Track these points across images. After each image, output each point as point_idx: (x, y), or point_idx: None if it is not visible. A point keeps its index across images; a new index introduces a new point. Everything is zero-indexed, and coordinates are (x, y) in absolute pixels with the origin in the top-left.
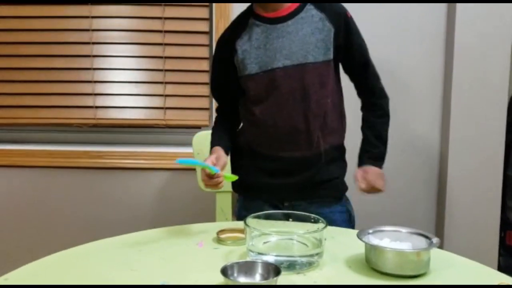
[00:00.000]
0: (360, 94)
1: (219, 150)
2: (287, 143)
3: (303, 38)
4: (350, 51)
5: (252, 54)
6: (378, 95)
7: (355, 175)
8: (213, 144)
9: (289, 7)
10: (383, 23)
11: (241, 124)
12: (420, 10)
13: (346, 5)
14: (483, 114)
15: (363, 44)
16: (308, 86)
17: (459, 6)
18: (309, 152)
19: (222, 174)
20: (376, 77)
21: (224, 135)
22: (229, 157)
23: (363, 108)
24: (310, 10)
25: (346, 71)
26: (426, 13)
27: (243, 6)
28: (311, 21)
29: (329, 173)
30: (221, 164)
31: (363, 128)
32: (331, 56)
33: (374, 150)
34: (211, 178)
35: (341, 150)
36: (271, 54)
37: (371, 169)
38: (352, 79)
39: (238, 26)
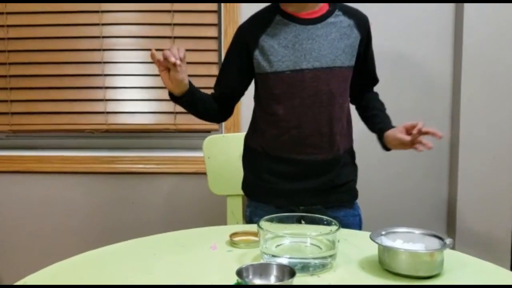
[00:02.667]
0: (358, 94)
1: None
2: (309, 145)
3: (332, 43)
4: (366, 59)
5: (280, 51)
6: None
7: (401, 137)
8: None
9: (319, 10)
10: (391, 22)
11: (253, 126)
12: (428, 8)
13: (357, 5)
14: (494, 113)
15: (372, 53)
16: (334, 89)
17: (467, 4)
18: (329, 155)
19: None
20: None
21: (204, 94)
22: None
23: (362, 97)
24: (339, 16)
25: (354, 78)
26: (435, 11)
27: (252, 10)
28: (340, 26)
29: (345, 176)
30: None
31: (371, 108)
32: (353, 62)
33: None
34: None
35: (353, 153)
36: (300, 55)
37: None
38: (356, 86)
39: (262, 21)
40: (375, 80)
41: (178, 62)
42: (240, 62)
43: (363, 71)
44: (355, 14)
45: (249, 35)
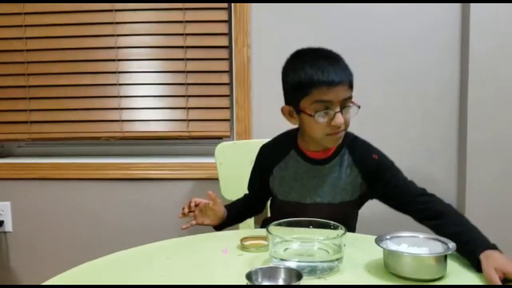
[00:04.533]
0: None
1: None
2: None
3: (333, 181)
4: (387, 186)
5: (290, 184)
6: (424, 196)
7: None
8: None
9: (329, 150)
10: (399, 30)
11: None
12: (434, 16)
13: (363, 7)
14: (501, 118)
15: (399, 174)
16: (334, 220)
17: (473, 8)
18: None
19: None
20: (415, 189)
21: (237, 208)
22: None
23: (419, 218)
24: (344, 155)
25: (384, 199)
26: (441, 19)
27: (261, 26)
28: (342, 165)
29: None
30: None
31: (440, 231)
32: (357, 196)
33: (473, 236)
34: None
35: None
36: (306, 190)
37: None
38: (397, 207)
39: (280, 151)
40: (415, 195)
41: (186, 210)
42: (261, 178)
43: (394, 196)
44: (357, 150)
45: (266, 162)
